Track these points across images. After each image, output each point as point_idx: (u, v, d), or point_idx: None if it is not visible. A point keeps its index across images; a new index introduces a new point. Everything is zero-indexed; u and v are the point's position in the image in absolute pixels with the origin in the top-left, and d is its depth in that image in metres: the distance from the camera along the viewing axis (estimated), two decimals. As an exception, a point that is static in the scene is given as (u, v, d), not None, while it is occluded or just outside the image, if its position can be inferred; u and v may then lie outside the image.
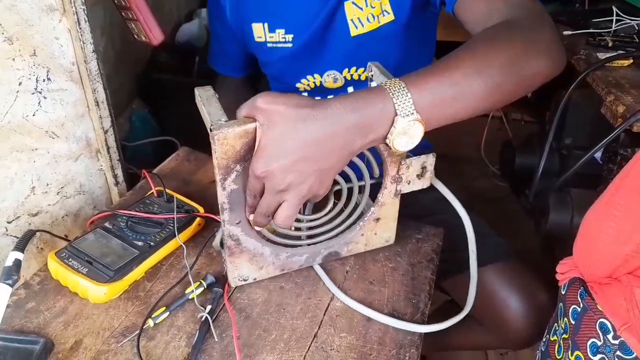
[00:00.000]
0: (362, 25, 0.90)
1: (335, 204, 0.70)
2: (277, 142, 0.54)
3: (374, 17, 0.89)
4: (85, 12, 0.77)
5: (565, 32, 1.27)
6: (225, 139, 0.56)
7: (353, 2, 0.89)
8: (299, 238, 0.72)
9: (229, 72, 1.15)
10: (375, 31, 0.90)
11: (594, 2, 1.46)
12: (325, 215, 0.70)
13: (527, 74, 0.61)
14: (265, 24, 0.95)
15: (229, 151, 0.57)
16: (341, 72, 0.96)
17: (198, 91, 0.63)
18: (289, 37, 0.95)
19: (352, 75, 0.96)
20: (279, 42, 0.96)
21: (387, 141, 0.57)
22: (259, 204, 0.59)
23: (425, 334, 0.67)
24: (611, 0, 1.35)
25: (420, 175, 0.71)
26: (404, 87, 0.55)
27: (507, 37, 0.61)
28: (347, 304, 0.70)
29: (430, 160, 0.70)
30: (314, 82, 1.00)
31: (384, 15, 0.89)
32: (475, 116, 0.61)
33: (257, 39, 0.98)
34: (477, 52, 0.59)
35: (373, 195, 0.72)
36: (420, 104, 0.55)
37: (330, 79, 0.97)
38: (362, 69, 0.95)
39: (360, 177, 0.70)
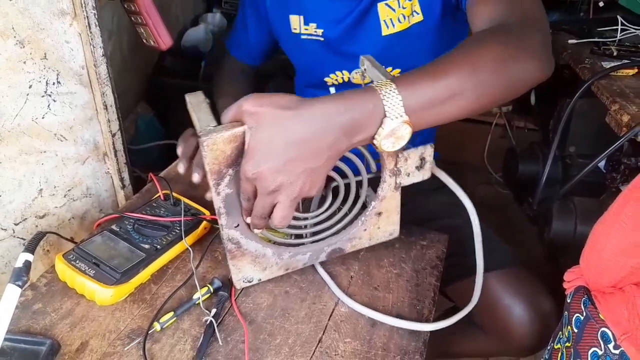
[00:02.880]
0: (394, 26, 0.92)
1: (333, 201, 0.70)
2: (265, 143, 0.55)
3: (404, 17, 0.91)
4: (96, 16, 0.77)
5: (570, 41, 1.27)
6: (215, 144, 0.56)
7: (386, 4, 0.91)
8: (301, 237, 0.73)
9: (246, 60, 1.17)
10: (405, 31, 0.92)
11: (599, 11, 1.47)
12: (324, 212, 0.70)
13: (516, 78, 0.62)
14: (301, 17, 0.98)
15: (220, 156, 0.58)
16: None
17: (189, 97, 0.63)
18: (320, 31, 0.98)
19: None
20: (312, 35, 0.99)
21: (375, 141, 0.57)
22: (253, 206, 0.60)
23: (428, 340, 0.67)
24: (616, 10, 1.36)
25: (419, 167, 0.70)
26: (394, 89, 0.55)
27: (498, 41, 0.62)
28: (352, 307, 0.70)
29: (428, 151, 0.69)
30: (342, 78, 1.01)
31: (413, 16, 0.91)
32: (463, 118, 0.61)
33: (293, 30, 1.01)
34: (471, 55, 0.60)
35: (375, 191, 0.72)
36: (411, 107, 0.56)
37: (358, 76, 0.98)
38: (390, 68, 0.97)
39: (357, 172, 0.69)
